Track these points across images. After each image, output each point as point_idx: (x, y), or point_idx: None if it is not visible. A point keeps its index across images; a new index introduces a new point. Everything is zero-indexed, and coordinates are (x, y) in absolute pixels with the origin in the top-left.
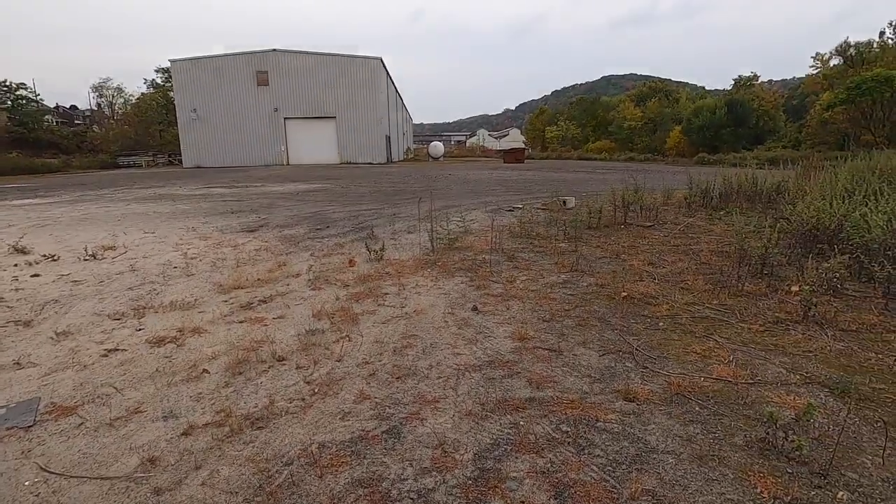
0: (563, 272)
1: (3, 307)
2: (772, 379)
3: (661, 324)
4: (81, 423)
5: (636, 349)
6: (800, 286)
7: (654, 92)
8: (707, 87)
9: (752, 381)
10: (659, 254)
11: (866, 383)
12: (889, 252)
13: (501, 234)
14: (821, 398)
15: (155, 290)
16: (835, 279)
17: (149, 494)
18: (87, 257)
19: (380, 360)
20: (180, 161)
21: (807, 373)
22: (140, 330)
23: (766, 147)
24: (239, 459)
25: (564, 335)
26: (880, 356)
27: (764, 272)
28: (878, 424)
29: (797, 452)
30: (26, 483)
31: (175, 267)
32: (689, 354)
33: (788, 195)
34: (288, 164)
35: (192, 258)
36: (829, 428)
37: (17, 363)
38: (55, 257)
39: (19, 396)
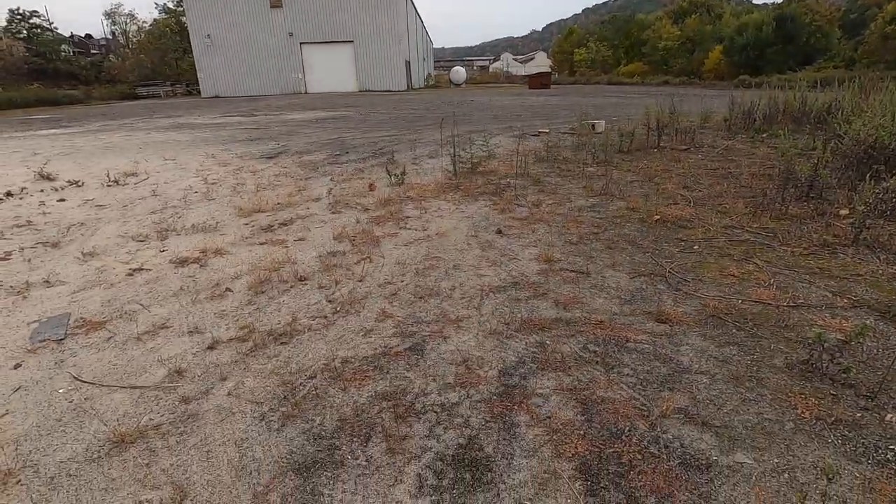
0: (592, 196)
1: (31, 230)
2: (816, 302)
3: (696, 247)
4: (110, 337)
5: (669, 271)
6: (850, 209)
7: (694, 7)
8: (755, 1)
9: (794, 304)
10: (695, 177)
11: None
12: None
13: (527, 158)
14: (871, 322)
15: (177, 213)
16: (894, 200)
17: (177, 403)
18: (111, 183)
19: (402, 281)
20: (198, 91)
21: (855, 296)
22: (164, 251)
23: (816, 68)
24: (263, 372)
25: (593, 258)
26: None
27: (811, 195)
28: None
29: (843, 375)
30: (60, 391)
31: (196, 192)
32: (726, 277)
33: (842, 114)
34: (306, 93)
35: (212, 183)
36: (878, 351)
37: (47, 281)
38: (79, 183)
39: (51, 312)
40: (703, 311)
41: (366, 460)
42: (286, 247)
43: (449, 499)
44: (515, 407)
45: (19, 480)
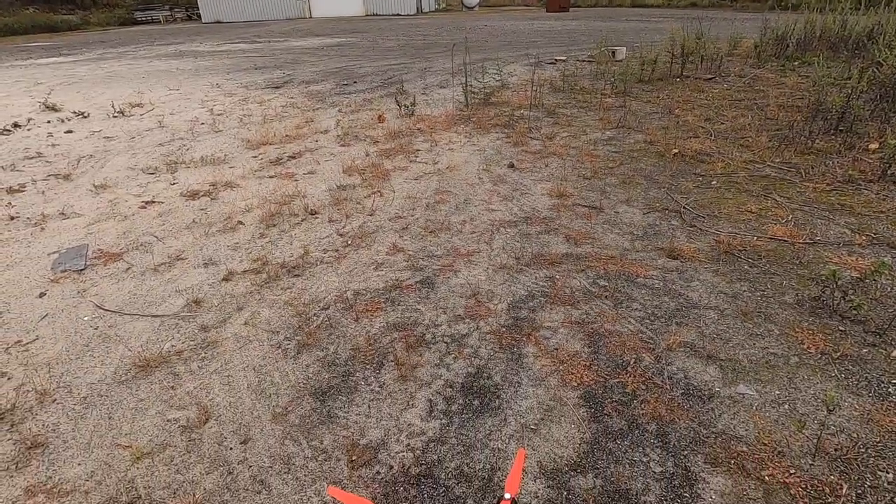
0: (609, 128)
1: (42, 161)
2: (834, 239)
3: (714, 182)
4: (128, 268)
5: (684, 207)
6: (881, 142)
7: None
8: None
9: (810, 241)
10: (718, 109)
11: None
12: None
13: (542, 88)
14: (888, 260)
15: (184, 145)
16: None
17: (196, 331)
18: (116, 114)
19: (412, 215)
20: (198, 15)
21: (875, 233)
22: (174, 184)
23: None
24: (278, 303)
25: (606, 193)
26: None
27: (840, 128)
28: None
29: (854, 312)
30: (85, 318)
31: (202, 123)
32: (743, 214)
33: (884, 38)
34: (310, 18)
35: (218, 114)
36: (892, 289)
37: (63, 213)
38: (85, 114)
39: (69, 243)
40: (716, 247)
41: (378, 386)
42: (296, 180)
43: (458, 422)
44: (524, 339)
45: (55, 400)
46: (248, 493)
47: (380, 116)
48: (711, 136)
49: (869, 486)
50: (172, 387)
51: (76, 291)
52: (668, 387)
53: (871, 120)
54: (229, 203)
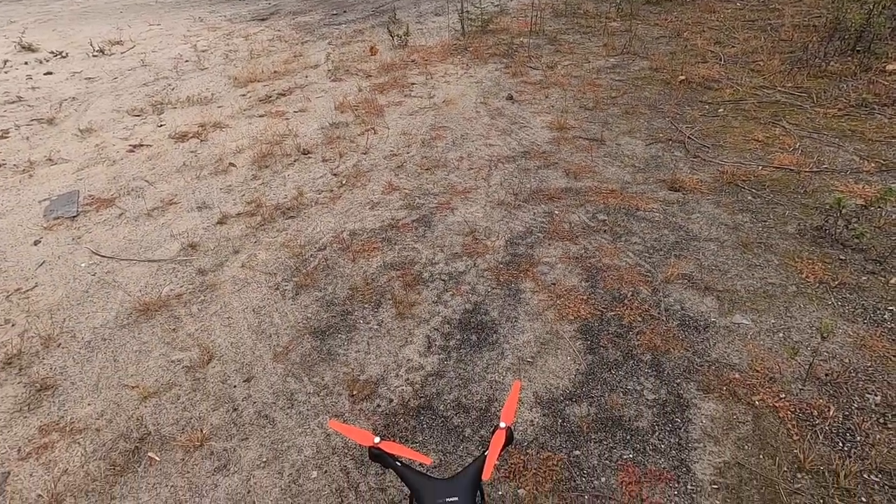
0: (613, 55)
1: (24, 106)
2: (841, 167)
3: (720, 110)
4: (121, 214)
5: (688, 137)
6: None
7: None
8: None
9: (817, 170)
10: (729, 31)
11: None
12: None
13: (543, 13)
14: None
15: (169, 85)
16: None
17: (194, 275)
18: (96, 53)
19: (408, 152)
20: None
21: (884, 160)
22: (161, 126)
23: None
24: (274, 245)
25: (608, 124)
26: None
27: (857, 48)
28: None
29: (856, 240)
30: (82, 265)
31: (186, 61)
32: (749, 143)
33: None
34: None
35: (202, 51)
36: None
37: (50, 159)
38: (63, 54)
39: (59, 190)
40: (719, 178)
41: (377, 324)
42: (286, 119)
43: (456, 357)
44: (521, 275)
45: (59, 344)
46: (253, 427)
47: (372, 48)
48: (721, 60)
49: (856, 408)
50: (174, 329)
51: (71, 238)
52: (665, 318)
53: (891, 39)
54: (219, 144)
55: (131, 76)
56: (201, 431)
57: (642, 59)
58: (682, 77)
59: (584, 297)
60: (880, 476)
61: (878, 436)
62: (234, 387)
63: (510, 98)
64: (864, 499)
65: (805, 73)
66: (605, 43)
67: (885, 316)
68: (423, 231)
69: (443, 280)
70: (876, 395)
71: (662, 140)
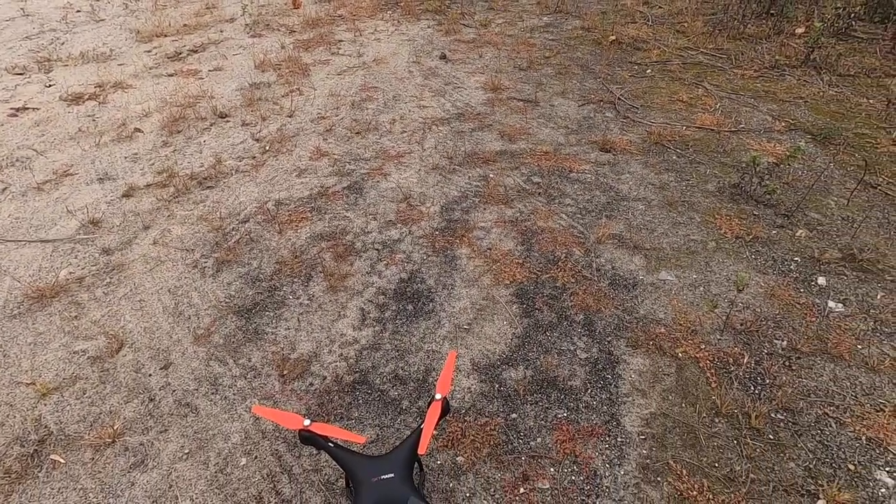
0: (546, 14)
1: None
2: (756, 126)
3: (648, 71)
4: (5, 189)
5: (619, 98)
6: (807, 27)
7: None
8: None
9: (735, 129)
10: None
11: (851, 129)
12: None
13: None
14: (803, 144)
15: (58, 38)
16: (851, 16)
17: (97, 255)
18: None
19: (336, 115)
20: None
21: (793, 119)
22: (50, 86)
23: None
24: (190, 219)
25: (542, 85)
26: (872, 101)
27: (772, 12)
28: (852, 168)
29: (768, 196)
30: None
31: (78, 11)
32: (675, 103)
33: None
34: None
35: None
36: (803, 173)
37: None
38: None
39: None
40: (647, 139)
41: (308, 299)
42: (200, 78)
43: (392, 328)
44: (457, 241)
45: None
46: (173, 417)
47: (295, 1)
48: (649, 21)
49: (766, 354)
50: (76, 317)
51: None
52: (596, 278)
53: (800, 2)
54: (122, 107)
55: (9, 28)
56: (113, 427)
57: (575, 17)
58: (613, 37)
59: (520, 261)
60: (785, 414)
61: (784, 377)
62: (150, 375)
63: (443, 57)
64: (771, 436)
65: (725, 35)
66: (539, 1)
67: (791, 266)
68: (354, 199)
69: (376, 249)
70: (783, 341)
71: (594, 101)
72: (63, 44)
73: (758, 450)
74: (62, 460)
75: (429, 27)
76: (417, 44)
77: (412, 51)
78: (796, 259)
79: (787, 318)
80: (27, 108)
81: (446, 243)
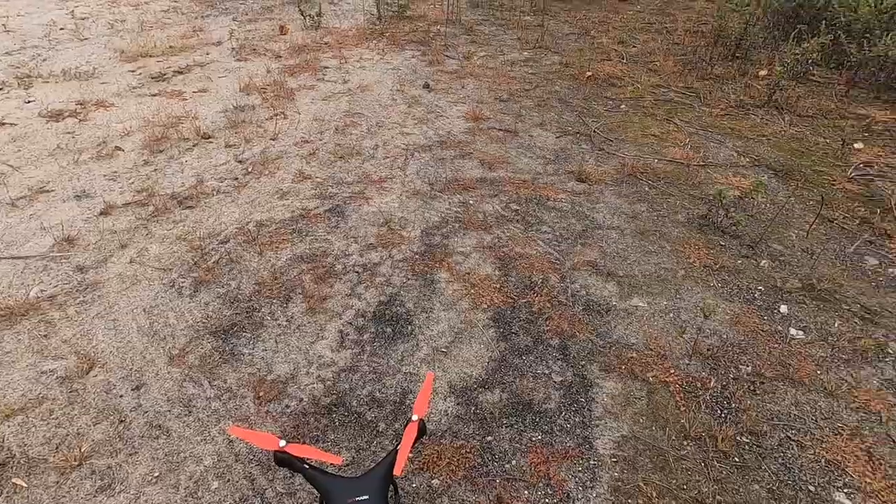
0: (526, 49)
1: None
2: (723, 161)
3: (622, 106)
4: None
5: (594, 131)
6: (769, 69)
7: None
8: None
9: (703, 163)
10: (631, 31)
11: (809, 166)
12: (869, 34)
13: (460, 2)
14: (765, 179)
15: (40, 55)
16: (809, 61)
17: (71, 272)
18: None
19: (320, 139)
20: None
21: (757, 155)
22: (29, 102)
23: None
24: (169, 238)
25: (521, 116)
26: (828, 141)
27: (737, 55)
28: (811, 203)
29: (734, 228)
30: None
31: (62, 29)
32: (647, 137)
33: None
34: None
35: (82, 18)
36: (766, 206)
37: None
38: None
39: None
40: (621, 170)
41: (286, 320)
42: (184, 99)
43: (370, 350)
44: (436, 265)
45: None
46: (144, 439)
47: (282, 27)
48: (623, 59)
49: (732, 378)
50: (45, 335)
51: None
52: (571, 304)
53: (763, 47)
54: (103, 125)
55: None
56: (79, 449)
57: (554, 53)
58: (590, 73)
59: (498, 286)
60: (750, 437)
61: (749, 401)
62: (121, 396)
63: (427, 87)
64: (737, 458)
65: (694, 74)
66: (519, 37)
67: (756, 295)
68: (336, 221)
69: (356, 272)
70: (748, 366)
71: (571, 133)
72: (45, 60)
73: (724, 472)
74: (24, 484)
75: (413, 57)
76: (402, 73)
77: (396, 79)
78: (760, 288)
79: (752, 344)
80: (4, 124)
81: (426, 267)
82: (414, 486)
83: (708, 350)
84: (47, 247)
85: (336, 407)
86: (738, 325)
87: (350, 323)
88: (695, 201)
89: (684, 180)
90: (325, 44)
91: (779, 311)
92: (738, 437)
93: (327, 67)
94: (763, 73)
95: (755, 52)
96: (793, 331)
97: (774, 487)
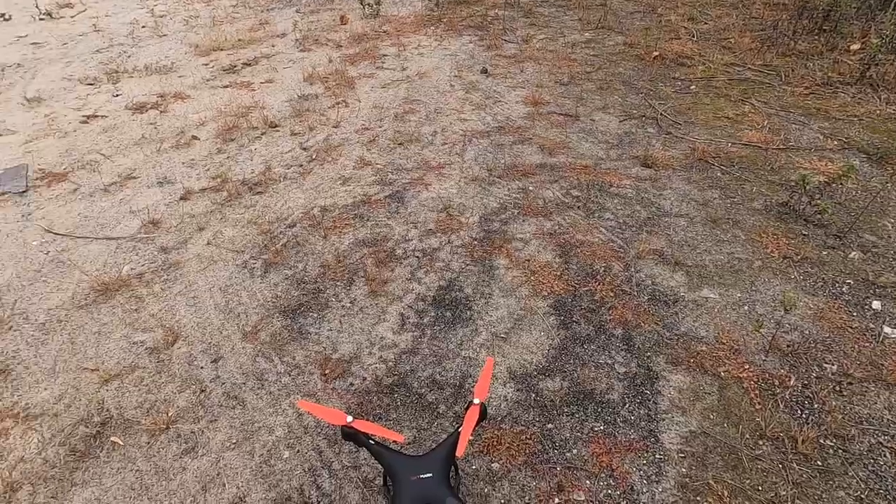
0: (588, 30)
1: None
2: (806, 144)
3: (693, 87)
4: (76, 189)
5: (661, 114)
6: (863, 43)
7: None
8: None
9: (783, 147)
10: (703, 7)
11: None
12: None
13: None
14: (857, 163)
15: (125, 52)
16: None
17: (156, 253)
18: (43, 16)
19: (380, 126)
20: None
21: (847, 138)
22: (117, 95)
23: None
24: (241, 222)
25: (583, 100)
26: None
27: (824, 27)
28: None
29: (819, 216)
30: (34, 243)
31: (143, 26)
32: (720, 120)
33: None
34: None
35: (160, 16)
36: (856, 193)
37: None
38: (6, 17)
39: (5, 163)
40: (690, 155)
41: (350, 302)
42: (253, 90)
43: (430, 333)
44: (495, 251)
45: (11, 327)
46: (222, 408)
47: (342, 17)
48: (694, 37)
49: (815, 377)
50: (136, 310)
51: (20, 215)
52: (636, 293)
53: (856, 18)
54: (181, 116)
55: (83, 42)
56: (167, 414)
57: (617, 33)
58: (656, 53)
59: (558, 273)
60: (835, 441)
61: (834, 403)
62: (202, 368)
63: (484, 72)
64: (819, 462)
65: (774, 51)
66: (581, 17)
67: (843, 289)
68: (396, 207)
69: (417, 257)
70: (833, 365)
71: (636, 116)
72: (129, 57)
73: (805, 475)
74: (121, 442)
75: (471, 42)
76: (459, 58)
77: (454, 65)
78: (849, 281)
79: (838, 341)
80: (97, 116)
81: (485, 253)
82: (474, 467)
83: (788, 346)
84: (135, 229)
85: (398, 387)
86: (823, 320)
87: (410, 306)
88: (773, 187)
89: (762, 165)
90: (384, 32)
91: (870, 307)
92: (820, 440)
93: (386, 55)
94: (855, 46)
95: (846, 25)
96: (887, 329)
97: (863, 496)
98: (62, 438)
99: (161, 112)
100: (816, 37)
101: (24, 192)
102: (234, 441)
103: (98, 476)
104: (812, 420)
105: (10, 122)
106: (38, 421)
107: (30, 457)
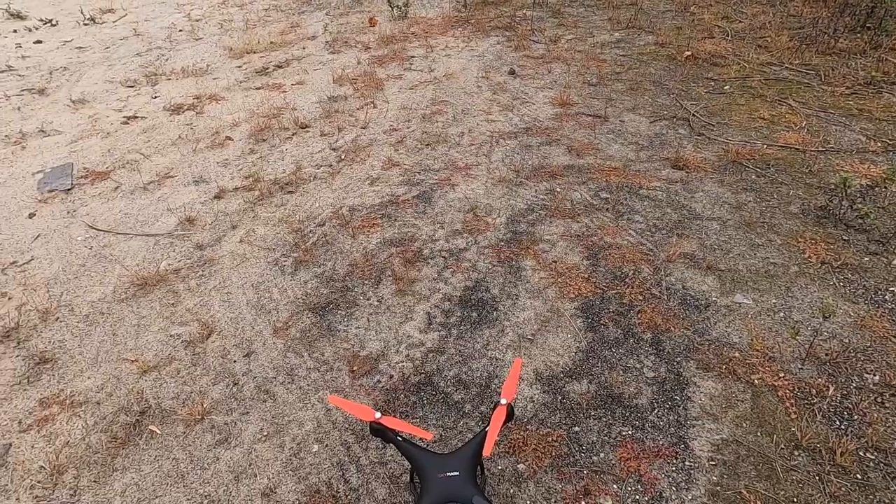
0: (618, 29)
1: (13, 75)
2: (847, 146)
3: (726, 87)
4: (117, 187)
5: (693, 115)
6: None
7: None
8: None
9: (822, 149)
10: (737, 5)
11: None
12: None
13: None
14: None
15: (163, 55)
16: None
17: (192, 249)
18: (87, 21)
19: (408, 127)
20: None
21: (890, 140)
22: (156, 97)
23: None
24: (272, 220)
25: (612, 101)
26: None
27: (868, 24)
28: None
29: (860, 221)
30: (78, 238)
31: (181, 30)
32: (755, 121)
33: None
34: None
35: (196, 20)
36: None
37: (42, 131)
38: (53, 22)
39: (52, 162)
40: (724, 157)
41: (377, 300)
42: (284, 91)
43: (456, 333)
44: (522, 252)
45: (57, 318)
46: (254, 402)
47: (371, 20)
48: (728, 36)
49: (855, 388)
50: (173, 304)
51: (66, 211)
52: (666, 297)
53: None
54: (215, 117)
55: (124, 46)
56: (202, 405)
57: (648, 33)
58: (689, 53)
59: (586, 276)
60: (876, 454)
61: (876, 414)
62: (235, 361)
63: (512, 72)
64: (859, 475)
65: (813, 49)
66: (610, 17)
67: (887, 297)
68: (423, 207)
69: (443, 257)
70: (874, 375)
71: (667, 117)
72: (167, 60)
73: (843, 488)
74: (158, 431)
75: (498, 43)
76: (487, 59)
77: (481, 66)
78: (893, 289)
79: (881, 351)
80: (137, 117)
81: (511, 254)
82: (500, 468)
83: (826, 355)
84: (172, 226)
85: (424, 386)
86: (864, 328)
87: (437, 306)
88: (811, 191)
89: (799, 167)
90: (412, 33)
91: None
92: (860, 452)
93: (414, 57)
94: None
95: (892, 21)
96: None
97: None
98: (104, 426)
99: (197, 113)
100: (859, 34)
101: (69, 189)
102: (266, 433)
103: (137, 463)
104: (851, 432)
105: (57, 123)
106: (82, 408)
107: (74, 442)
